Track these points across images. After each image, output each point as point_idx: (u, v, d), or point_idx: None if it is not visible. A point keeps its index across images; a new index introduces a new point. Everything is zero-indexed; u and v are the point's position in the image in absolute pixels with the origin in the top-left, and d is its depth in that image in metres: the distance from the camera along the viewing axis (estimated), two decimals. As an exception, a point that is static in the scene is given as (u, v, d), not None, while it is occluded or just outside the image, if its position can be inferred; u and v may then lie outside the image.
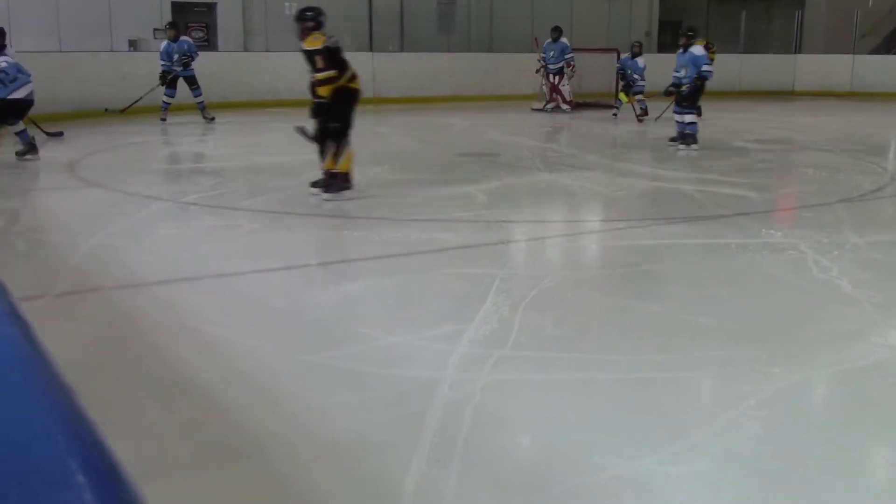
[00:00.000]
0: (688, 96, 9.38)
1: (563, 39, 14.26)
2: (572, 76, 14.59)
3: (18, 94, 8.26)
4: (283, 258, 4.80)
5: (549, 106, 14.33)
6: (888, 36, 21.37)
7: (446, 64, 16.38)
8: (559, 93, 14.52)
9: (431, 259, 4.78)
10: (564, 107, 14.44)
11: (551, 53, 14.23)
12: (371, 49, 15.69)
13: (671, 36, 21.55)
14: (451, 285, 4.28)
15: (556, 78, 14.41)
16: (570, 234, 5.75)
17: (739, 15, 20.41)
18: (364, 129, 10.93)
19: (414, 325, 3.64)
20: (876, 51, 20.75)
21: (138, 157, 8.93)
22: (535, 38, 14.85)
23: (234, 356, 3.27)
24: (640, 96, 13.18)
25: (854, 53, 19.80)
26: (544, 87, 14.57)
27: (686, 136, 9.38)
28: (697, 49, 9.38)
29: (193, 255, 4.94)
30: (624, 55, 13.70)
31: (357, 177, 6.67)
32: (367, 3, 15.79)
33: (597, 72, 15.66)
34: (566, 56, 14.32)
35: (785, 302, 4.07)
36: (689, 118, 9.42)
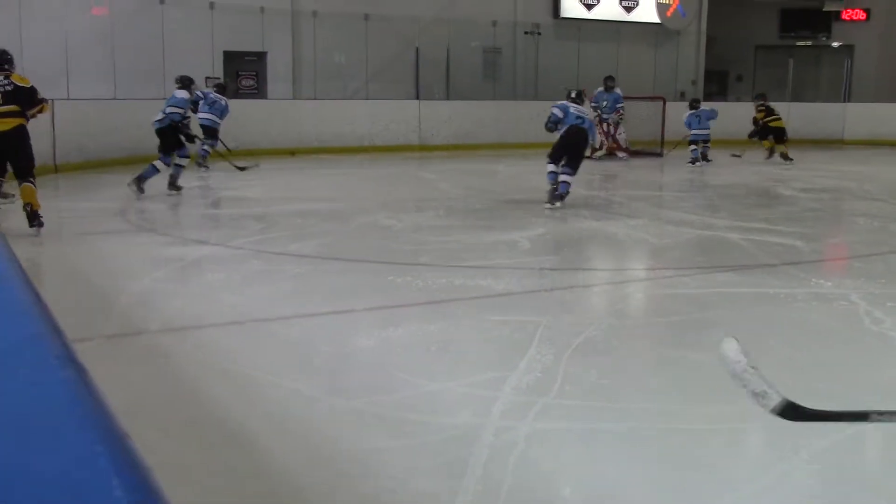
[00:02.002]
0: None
1: (617, 89, 14.58)
2: (619, 122, 14.81)
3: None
4: (328, 303, 4.83)
5: (598, 154, 14.36)
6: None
7: (492, 111, 16.52)
8: (616, 141, 14.74)
9: (475, 305, 4.77)
10: (622, 155, 14.66)
11: (604, 103, 14.38)
12: (418, 97, 15.90)
13: (717, 85, 21.56)
14: (494, 332, 4.26)
15: (612, 127, 14.61)
16: (615, 283, 5.71)
17: (787, 63, 20.31)
18: (409, 174, 11.08)
19: (457, 371, 3.62)
20: None
21: (187, 203, 9.11)
22: (583, 89, 15.00)
23: (278, 400, 3.28)
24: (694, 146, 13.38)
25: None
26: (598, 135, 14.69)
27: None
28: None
29: (239, 298, 4.99)
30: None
31: (400, 223, 6.72)
32: (415, 52, 16.04)
33: (643, 120, 15.68)
34: (619, 105, 14.56)
35: (837, 353, 3.98)
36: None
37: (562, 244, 6.89)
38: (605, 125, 14.53)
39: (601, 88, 14.60)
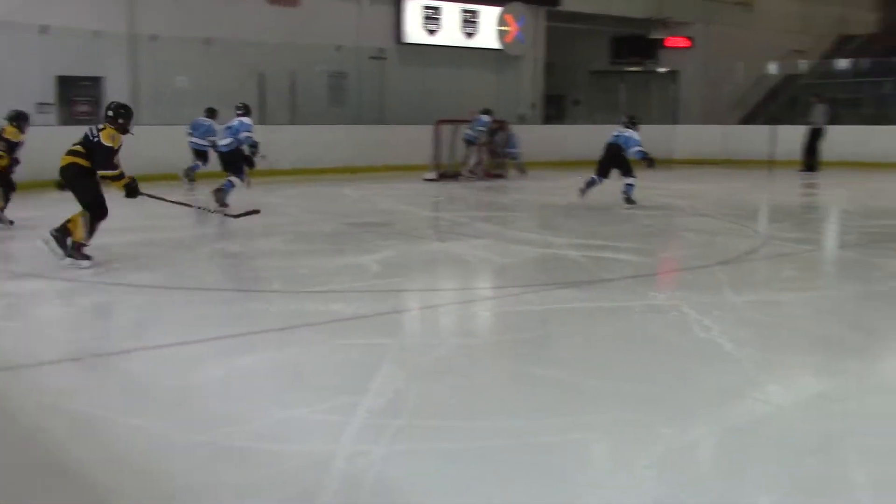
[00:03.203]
0: None
1: (484, 116, 15.41)
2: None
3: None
4: (173, 334, 4.68)
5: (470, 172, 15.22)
6: (755, 107, 22.76)
7: (338, 135, 16.49)
8: (480, 161, 15.46)
9: (326, 330, 4.75)
10: (471, 174, 15.34)
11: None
12: (263, 122, 15.69)
13: (556, 108, 22.42)
14: (346, 356, 4.26)
15: (484, 149, 15.54)
16: (463, 302, 5.82)
17: (619, 87, 21.36)
18: (256, 200, 10.86)
19: (309, 398, 3.60)
20: (745, 121, 22.03)
21: (19, 234, 8.59)
22: (471, 111, 15.58)
23: (119, 438, 3.15)
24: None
25: (726, 124, 20.99)
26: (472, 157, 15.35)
27: None
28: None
29: (76, 334, 4.77)
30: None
31: (247, 250, 6.61)
32: (260, 77, 15.83)
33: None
34: (484, 129, 15.43)
35: (671, 362, 4.22)
36: None
37: (410, 266, 6.96)
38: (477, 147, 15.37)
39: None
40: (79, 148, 6.61)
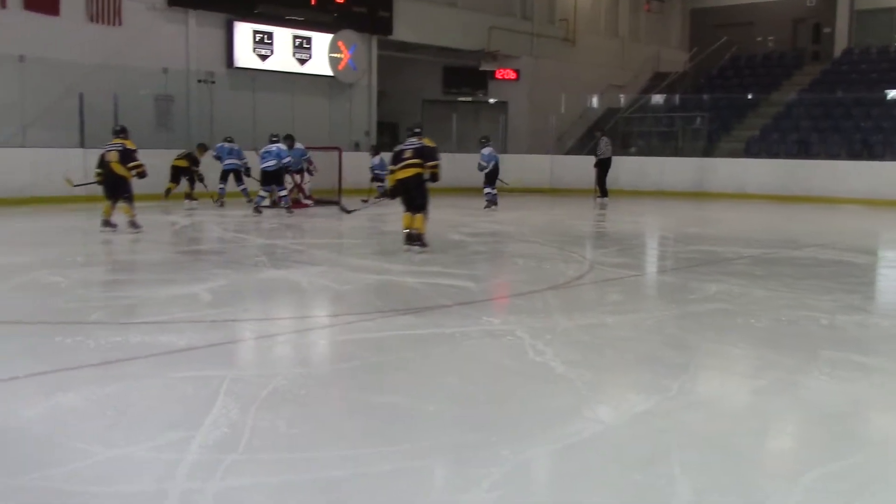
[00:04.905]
0: None
1: (298, 144, 15.38)
2: (314, 174, 15.97)
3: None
4: (-17, 372, 4.33)
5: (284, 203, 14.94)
6: (580, 139, 23.88)
7: (166, 161, 15.91)
8: (301, 190, 15.56)
9: (154, 363, 4.54)
10: (307, 201, 15.49)
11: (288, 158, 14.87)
12: (83, 145, 14.92)
13: (389, 135, 22.63)
14: (176, 390, 4.08)
15: (299, 177, 15.61)
16: (299, 331, 5.72)
17: (451, 116, 21.84)
18: (75, 228, 10.30)
19: (137, 435, 3.41)
20: (570, 151, 23.07)
21: None
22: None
23: (-77, 487, 2.87)
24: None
25: (552, 154, 21.88)
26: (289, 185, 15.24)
27: None
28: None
29: None
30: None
31: (66, 280, 6.22)
32: (78, 98, 15.06)
33: (320, 170, 16.03)
34: (305, 157, 15.54)
35: (507, 386, 4.31)
36: None
37: (244, 294, 6.79)
38: (293, 176, 15.36)
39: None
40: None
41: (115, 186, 10.26)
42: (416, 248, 8.87)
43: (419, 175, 8.84)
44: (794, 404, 4.18)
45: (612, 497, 2.97)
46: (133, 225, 10.26)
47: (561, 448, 3.40)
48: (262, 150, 14.11)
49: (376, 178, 16.67)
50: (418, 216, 8.93)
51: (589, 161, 18.74)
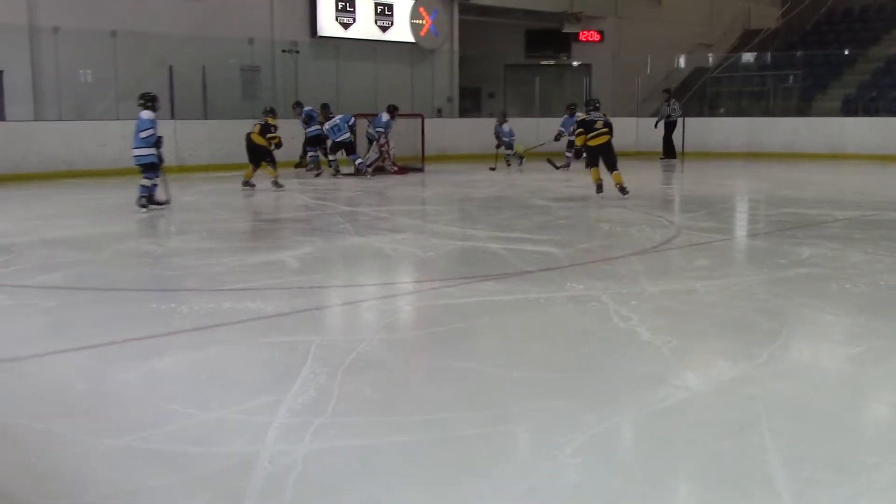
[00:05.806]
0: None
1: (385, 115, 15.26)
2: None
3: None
4: (84, 337, 4.52)
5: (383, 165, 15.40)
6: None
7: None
8: (387, 157, 15.42)
9: (244, 329, 4.66)
10: (391, 169, 15.43)
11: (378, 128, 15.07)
12: (173, 117, 15.30)
13: (471, 101, 22.54)
14: (265, 355, 4.19)
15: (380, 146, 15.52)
16: (384, 297, 5.79)
17: (534, 80, 21.59)
18: (170, 197, 10.60)
19: (229, 398, 3.52)
20: (655, 113, 22.56)
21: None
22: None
23: (34, 446, 3.03)
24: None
25: (637, 116, 21.43)
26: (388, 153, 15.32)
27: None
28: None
29: (-19, 339, 4.56)
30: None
31: (160, 248, 6.43)
32: (168, 71, 15.42)
33: (403, 136, 16.04)
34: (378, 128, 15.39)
35: (591, 352, 4.28)
36: None
37: (330, 262, 6.89)
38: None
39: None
40: None
41: (255, 153, 12.28)
42: (626, 194, 10.92)
43: (609, 141, 11.11)
44: (892, 374, 4.03)
45: (699, 465, 2.93)
46: (276, 184, 12.20)
47: (646, 415, 3.36)
48: (328, 125, 14.69)
49: (506, 144, 16.69)
50: (615, 173, 11.06)
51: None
